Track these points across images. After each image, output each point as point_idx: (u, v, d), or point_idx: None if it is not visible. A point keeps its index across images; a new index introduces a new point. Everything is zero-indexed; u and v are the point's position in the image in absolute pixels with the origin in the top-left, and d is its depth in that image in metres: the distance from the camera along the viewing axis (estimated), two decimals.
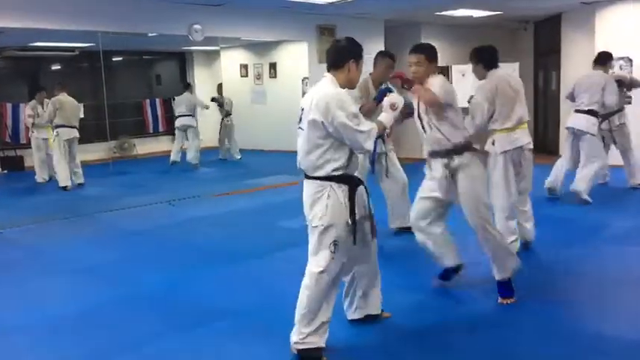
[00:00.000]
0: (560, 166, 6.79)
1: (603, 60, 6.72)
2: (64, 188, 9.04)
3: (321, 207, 3.11)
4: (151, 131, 13.74)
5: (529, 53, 11.94)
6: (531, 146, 4.71)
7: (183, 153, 11.33)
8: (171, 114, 13.96)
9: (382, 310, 3.64)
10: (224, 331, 3.69)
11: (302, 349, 3.17)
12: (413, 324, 3.66)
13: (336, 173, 3.12)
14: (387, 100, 3.27)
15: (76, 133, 9.19)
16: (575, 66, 10.23)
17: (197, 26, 7.96)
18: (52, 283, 4.79)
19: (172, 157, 11.29)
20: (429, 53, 3.85)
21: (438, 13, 9.65)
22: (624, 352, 3.21)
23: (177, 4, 7.70)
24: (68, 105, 9.12)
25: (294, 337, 3.21)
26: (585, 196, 6.50)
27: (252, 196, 8.26)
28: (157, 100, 13.84)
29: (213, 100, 11.92)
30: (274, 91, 13.02)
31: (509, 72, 5.13)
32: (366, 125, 3.08)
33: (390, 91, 3.69)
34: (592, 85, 6.51)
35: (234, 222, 6.82)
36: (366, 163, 4.79)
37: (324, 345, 3.19)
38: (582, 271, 4.55)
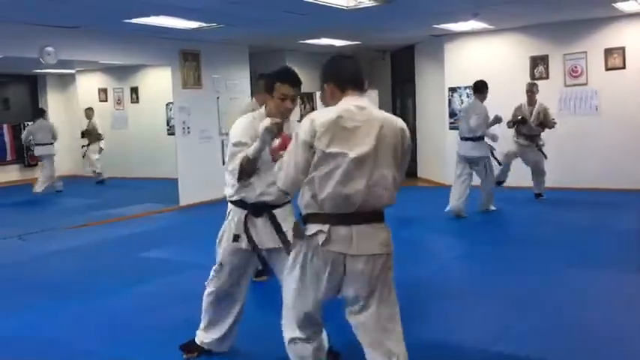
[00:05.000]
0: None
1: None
2: None
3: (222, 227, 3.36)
4: None
5: (387, 81, 12.63)
6: None
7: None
8: (20, 141, 13.00)
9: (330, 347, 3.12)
10: None
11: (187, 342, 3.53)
12: None
13: (230, 198, 3.30)
14: None
15: None
16: (427, 93, 10.99)
17: (49, 48, 7.48)
18: None
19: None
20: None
21: (301, 41, 9.92)
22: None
23: (27, 24, 7.20)
24: None
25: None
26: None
27: (111, 227, 7.83)
28: (5, 126, 12.82)
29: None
30: (137, 116, 12.56)
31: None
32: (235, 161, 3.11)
33: None
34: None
35: (92, 255, 6.42)
36: None
37: (199, 344, 3.48)
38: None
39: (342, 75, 2.60)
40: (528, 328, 3.79)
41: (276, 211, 3.23)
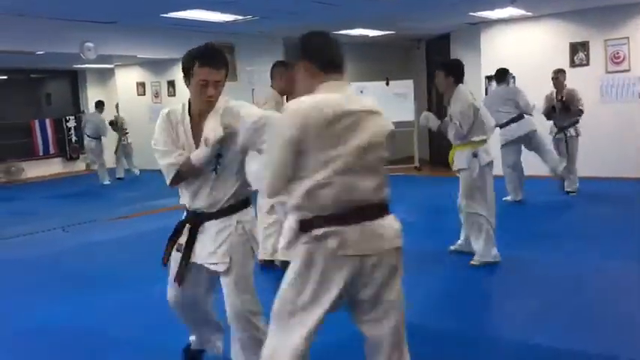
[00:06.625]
0: None
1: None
2: None
3: None
4: (41, 154, 13.03)
5: (422, 70, 12.49)
6: None
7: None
8: (62, 135, 13.36)
9: None
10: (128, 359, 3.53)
11: None
12: None
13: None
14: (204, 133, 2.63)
15: None
16: (463, 82, 10.82)
17: (89, 44, 7.65)
18: None
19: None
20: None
21: (335, 32, 9.88)
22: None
23: (67, 21, 7.37)
24: None
25: None
26: None
27: (151, 219, 7.97)
28: (47, 120, 13.17)
29: (110, 124, 11.91)
30: None
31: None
32: (165, 159, 2.74)
33: None
34: None
35: (133, 246, 6.56)
36: None
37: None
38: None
39: (324, 53, 2.17)
40: (565, 321, 3.73)
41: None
